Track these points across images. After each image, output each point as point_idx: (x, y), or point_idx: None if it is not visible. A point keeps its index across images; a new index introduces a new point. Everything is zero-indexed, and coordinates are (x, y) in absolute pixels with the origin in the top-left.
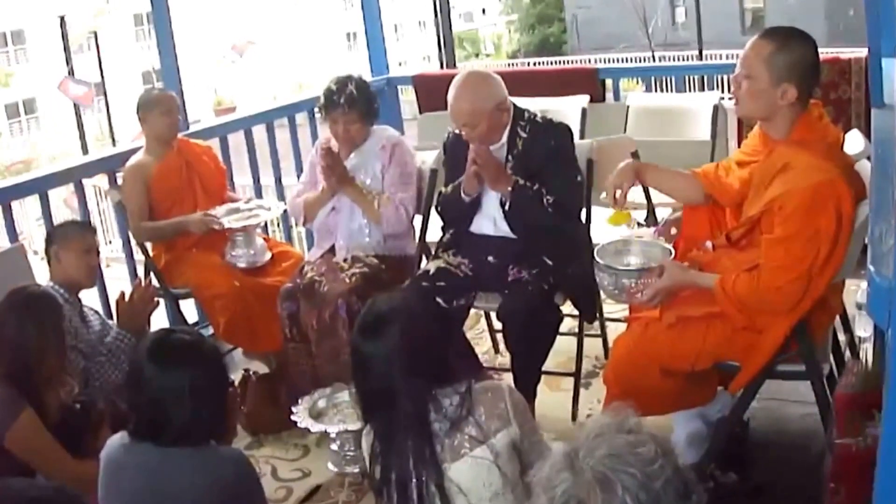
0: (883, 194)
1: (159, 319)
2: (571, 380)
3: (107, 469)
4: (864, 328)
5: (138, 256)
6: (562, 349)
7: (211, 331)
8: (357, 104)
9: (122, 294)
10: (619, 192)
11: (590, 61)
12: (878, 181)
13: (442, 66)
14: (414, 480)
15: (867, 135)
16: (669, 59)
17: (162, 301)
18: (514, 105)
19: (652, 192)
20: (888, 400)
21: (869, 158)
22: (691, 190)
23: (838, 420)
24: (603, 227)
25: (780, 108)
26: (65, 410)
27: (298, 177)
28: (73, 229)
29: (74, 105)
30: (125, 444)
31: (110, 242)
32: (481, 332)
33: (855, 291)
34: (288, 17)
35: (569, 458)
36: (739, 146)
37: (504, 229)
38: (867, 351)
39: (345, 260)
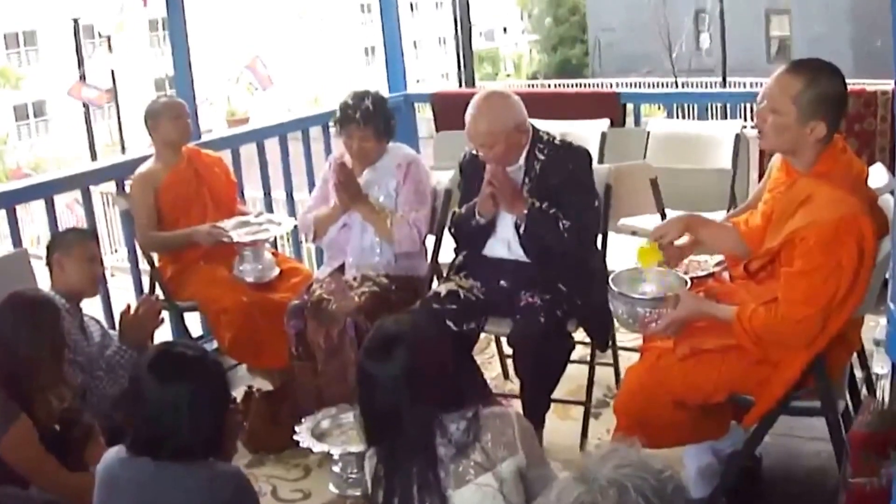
0: None
1: (163, 332)
2: (581, 409)
3: (103, 483)
4: (881, 365)
5: (144, 267)
6: (572, 377)
7: (215, 345)
8: (373, 120)
9: (129, 307)
10: (663, 239)
11: (611, 85)
12: None
13: (461, 85)
14: None
15: (891, 168)
16: (692, 86)
17: (166, 313)
18: (533, 127)
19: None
20: None
21: (892, 193)
22: (735, 243)
23: (853, 458)
24: (618, 254)
25: (807, 143)
26: (53, 421)
27: (310, 192)
28: (76, 237)
29: (85, 110)
30: (122, 458)
31: (116, 251)
32: (491, 357)
33: (874, 328)
34: (306, 30)
35: (579, 475)
36: (760, 176)
37: (518, 253)
38: (884, 389)
39: (354, 278)
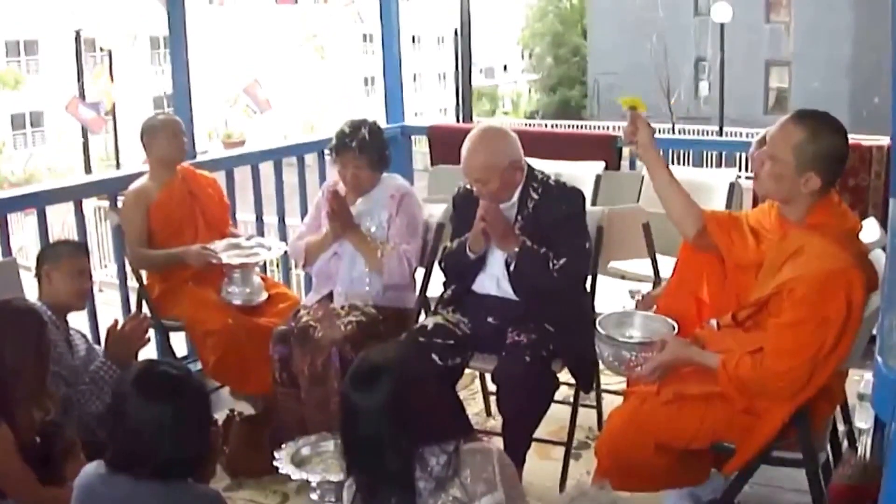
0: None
1: (148, 351)
2: (562, 449)
3: (80, 497)
4: (864, 420)
5: (132, 284)
6: (555, 417)
7: (199, 366)
8: (368, 149)
9: (116, 322)
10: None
11: (608, 128)
12: (891, 272)
13: (458, 120)
14: None
15: (883, 224)
16: (689, 133)
17: (152, 331)
18: (528, 165)
19: (660, 264)
20: (886, 494)
21: (884, 248)
22: (689, 214)
23: None
24: (607, 296)
25: (801, 194)
26: (34, 435)
27: (303, 218)
28: (66, 249)
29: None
30: (101, 474)
31: (106, 266)
32: (474, 393)
33: (858, 382)
34: (306, 56)
35: None
36: None
37: (507, 290)
38: (866, 443)
39: (342, 307)
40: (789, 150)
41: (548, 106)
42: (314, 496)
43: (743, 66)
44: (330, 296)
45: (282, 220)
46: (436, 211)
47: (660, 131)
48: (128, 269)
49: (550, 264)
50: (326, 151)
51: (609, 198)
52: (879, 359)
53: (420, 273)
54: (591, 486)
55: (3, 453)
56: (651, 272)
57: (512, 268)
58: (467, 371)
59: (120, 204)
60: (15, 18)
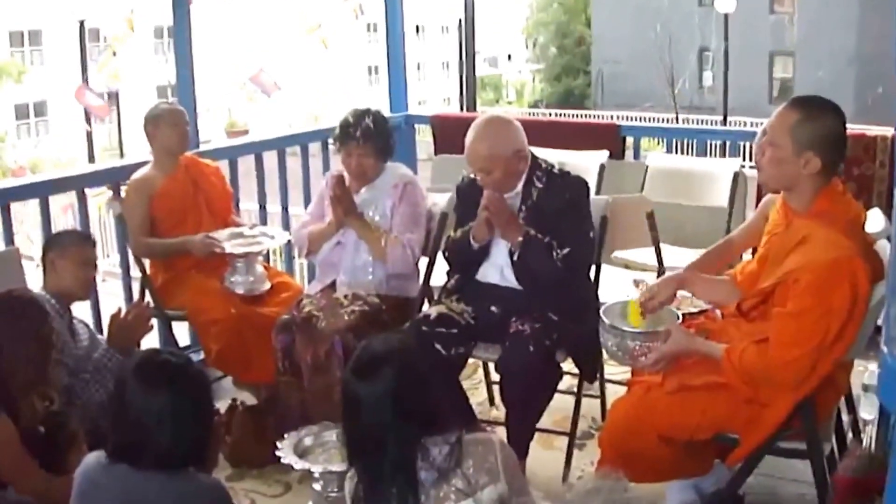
0: None
1: (150, 340)
2: (565, 439)
3: (81, 487)
4: (869, 410)
5: (135, 273)
6: (558, 407)
7: (202, 356)
8: (372, 138)
9: (119, 310)
10: (653, 302)
11: (612, 117)
12: None
13: (462, 109)
14: None
15: (888, 214)
16: (693, 122)
17: (154, 321)
18: (532, 154)
19: (664, 256)
20: (891, 486)
21: (889, 238)
22: (730, 295)
23: (836, 503)
24: (611, 286)
25: (802, 178)
26: (38, 424)
27: (306, 207)
28: (72, 239)
29: (85, 113)
30: (102, 464)
31: (108, 256)
32: (478, 383)
33: (862, 372)
34: (310, 45)
35: None
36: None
37: (510, 280)
38: (871, 434)
39: (345, 296)
40: (786, 133)
41: (552, 95)
42: (317, 486)
43: (747, 56)
44: (333, 285)
45: (285, 210)
46: (439, 200)
47: (664, 121)
48: (131, 258)
49: (554, 253)
50: (330, 141)
51: (613, 187)
52: (885, 349)
53: (423, 262)
54: (604, 479)
55: (4, 443)
56: (655, 261)
57: (516, 257)
58: (470, 361)
59: (123, 193)
60: (19, 9)
